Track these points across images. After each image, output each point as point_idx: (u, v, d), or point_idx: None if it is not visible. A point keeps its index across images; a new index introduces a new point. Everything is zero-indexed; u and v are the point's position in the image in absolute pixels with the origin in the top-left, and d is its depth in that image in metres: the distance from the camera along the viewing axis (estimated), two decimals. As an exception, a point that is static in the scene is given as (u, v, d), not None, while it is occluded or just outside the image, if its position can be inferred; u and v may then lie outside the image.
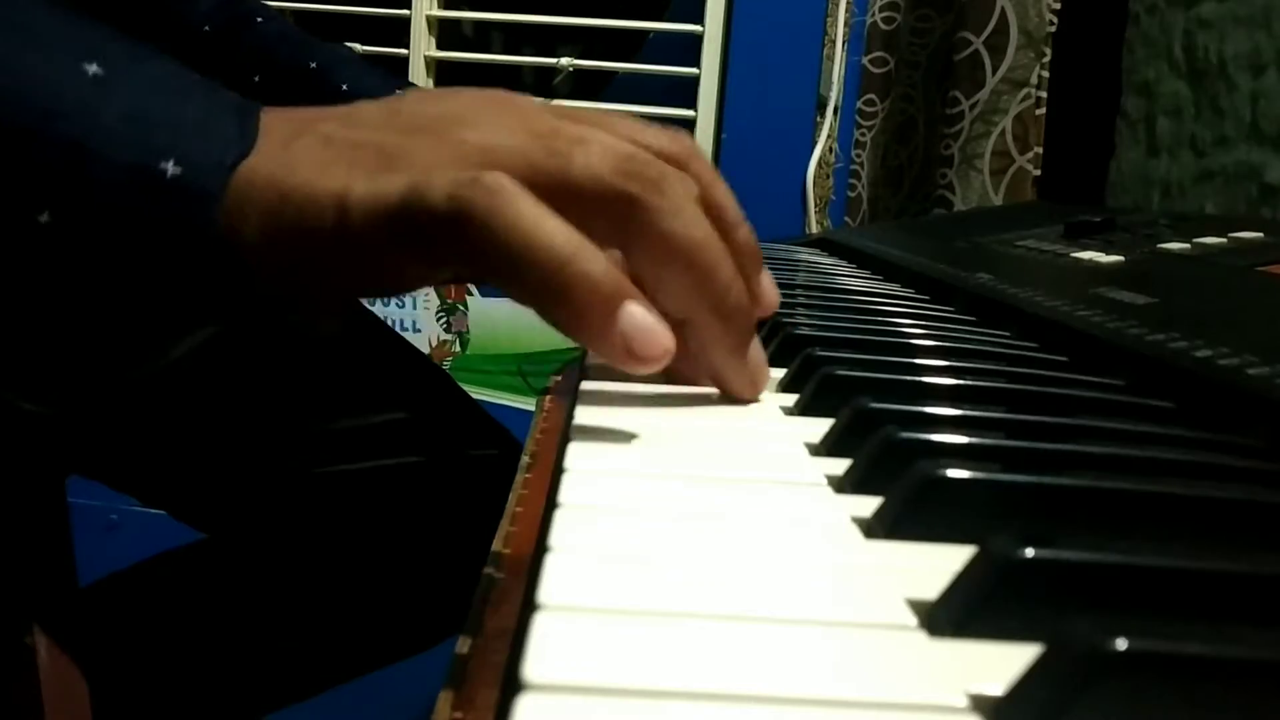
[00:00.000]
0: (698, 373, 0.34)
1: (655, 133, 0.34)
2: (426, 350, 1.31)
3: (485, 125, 0.31)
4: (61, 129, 0.29)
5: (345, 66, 0.72)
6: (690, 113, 1.22)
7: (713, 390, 0.35)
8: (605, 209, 0.30)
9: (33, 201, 0.29)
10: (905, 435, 0.26)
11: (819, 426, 0.30)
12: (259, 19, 0.72)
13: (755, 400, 0.34)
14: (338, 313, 0.33)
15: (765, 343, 0.42)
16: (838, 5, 1.18)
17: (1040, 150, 1.15)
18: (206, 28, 0.72)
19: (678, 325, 0.31)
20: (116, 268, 0.30)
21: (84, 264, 0.30)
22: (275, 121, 0.32)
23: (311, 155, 0.31)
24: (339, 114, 0.33)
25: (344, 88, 0.70)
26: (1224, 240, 0.57)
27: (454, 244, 0.29)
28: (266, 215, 0.30)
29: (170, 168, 0.29)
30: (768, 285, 0.36)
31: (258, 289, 0.31)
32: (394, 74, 0.75)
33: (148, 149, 0.29)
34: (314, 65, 0.71)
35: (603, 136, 0.31)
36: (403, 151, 0.30)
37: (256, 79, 0.70)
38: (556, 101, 1.36)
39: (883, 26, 1.24)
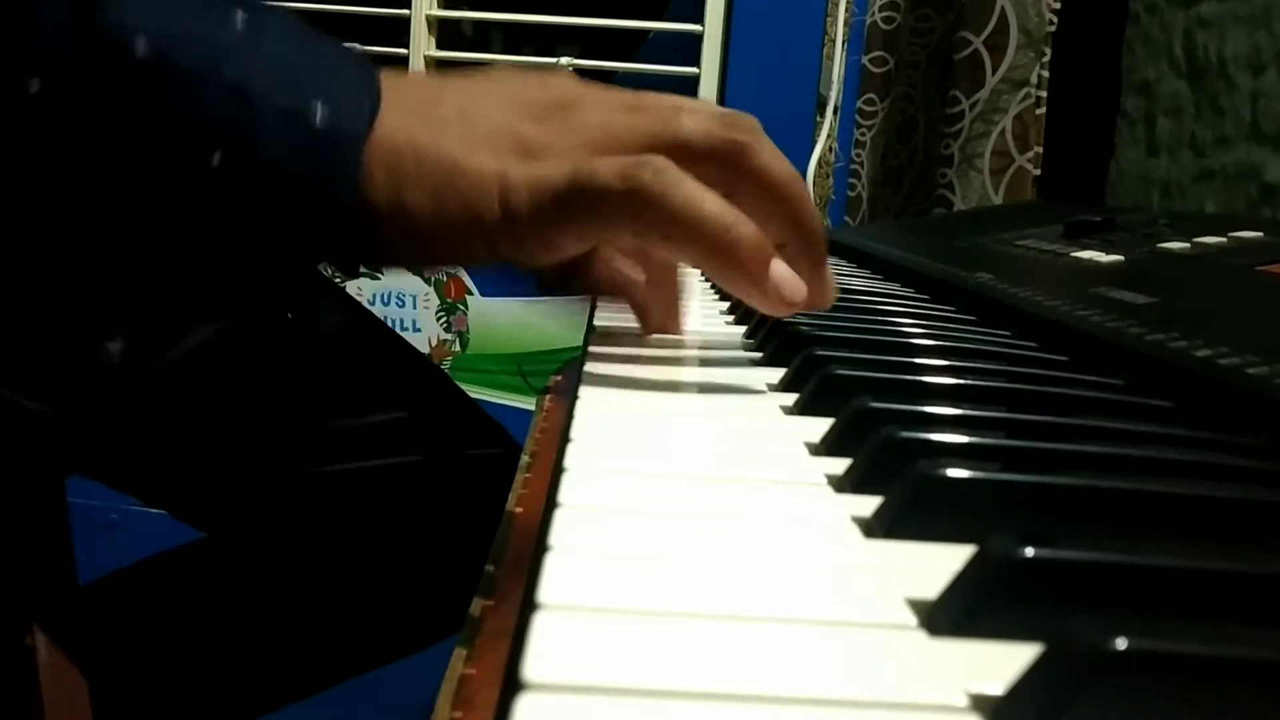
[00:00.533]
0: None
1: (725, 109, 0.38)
2: (426, 350, 1.31)
3: (590, 107, 0.36)
4: (225, 72, 0.30)
5: None
6: (690, 112, 1.22)
7: (713, 389, 0.35)
8: (717, 159, 0.35)
9: (205, 145, 0.31)
10: (905, 435, 0.26)
11: (819, 426, 0.30)
12: None
13: (827, 305, 0.39)
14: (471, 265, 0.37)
15: (765, 342, 0.42)
16: (837, 5, 1.18)
17: (1040, 150, 1.15)
18: None
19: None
20: (272, 207, 0.32)
21: (246, 204, 0.32)
22: (399, 81, 0.34)
23: (458, 130, 0.34)
24: (459, 88, 0.36)
25: None
26: (1224, 240, 0.56)
27: (626, 217, 0.33)
28: (436, 186, 0.33)
29: (319, 113, 0.31)
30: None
31: (405, 244, 0.34)
32: None
33: (299, 94, 0.31)
34: None
35: (691, 103, 0.37)
36: (538, 139, 0.35)
37: None
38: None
39: (882, 26, 1.24)
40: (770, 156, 0.36)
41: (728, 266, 0.34)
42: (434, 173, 0.33)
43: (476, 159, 0.33)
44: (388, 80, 0.34)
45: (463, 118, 0.34)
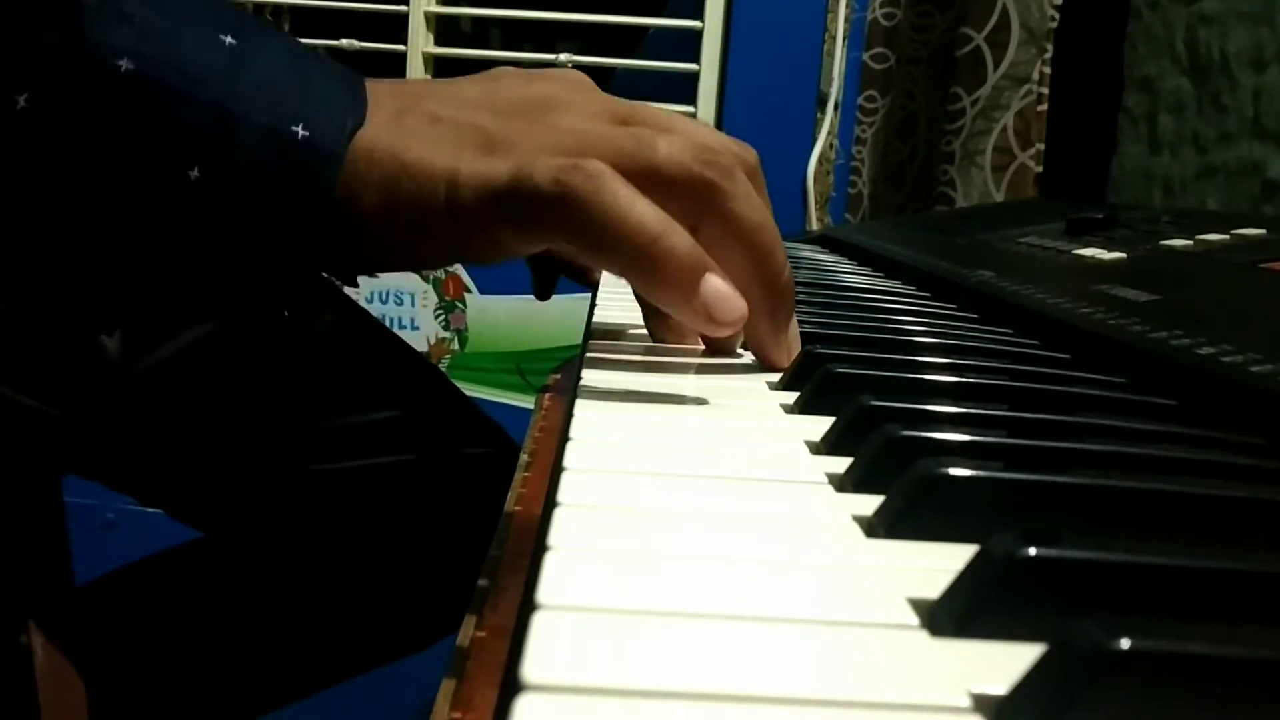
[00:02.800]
0: (737, 342, 0.40)
1: (724, 137, 0.37)
2: (425, 348, 1.30)
3: (574, 111, 0.35)
4: (208, 93, 0.32)
5: None
6: (690, 109, 1.22)
7: (713, 388, 0.35)
8: (685, 192, 0.34)
9: (183, 159, 0.32)
10: (906, 433, 0.25)
11: (819, 424, 0.30)
12: None
13: (786, 367, 0.38)
14: (432, 267, 0.37)
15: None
16: (838, 1, 1.18)
17: (1042, 147, 1.15)
18: None
19: None
20: (250, 220, 0.34)
21: (224, 216, 0.33)
22: (382, 93, 0.35)
23: (423, 131, 0.34)
24: (440, 91, 0.36)
25: None
26: (1226, 237, 0.56)
27: (556, 221, 0.33)
28: (385, 184, 0.33)
29: (300, 131, 0.33)
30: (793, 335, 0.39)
31: (365, 247, 0.35)
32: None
33: (280, 113, 0.33)
34: None
35: (681, 128, 0.36)
36: (505, 136, 0.34)
37: None
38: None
39: (883, 22, 1.23)
40: (742, 201, 0.35)
41: (654, 278, 0.33)
42: (387, 173, 0.33)
43: (429, 156, 0.33)
44: (377, 91, 0.35)
45: (431, 121, 0.34)
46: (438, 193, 0.33)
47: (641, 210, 0.32)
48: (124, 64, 0.31)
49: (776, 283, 0.36)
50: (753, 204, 0.35)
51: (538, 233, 0.34)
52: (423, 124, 0.34)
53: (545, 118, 0.35)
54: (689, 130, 0.36)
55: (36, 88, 0.31)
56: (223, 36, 0.33)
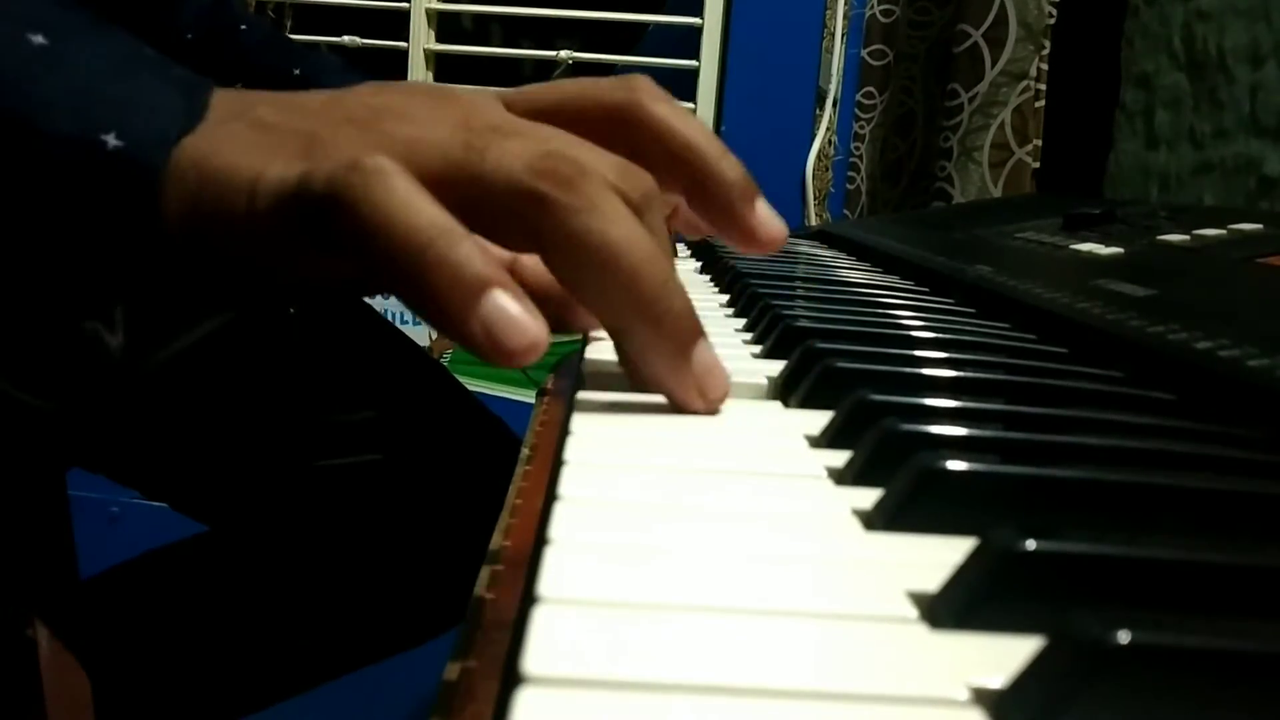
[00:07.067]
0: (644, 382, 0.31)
1: (605, 87, 0.34)
2: (425, 344, 1.30)
3: (418, 120, 0.30)
4: (3, 99, 0.29)
5: (330, 75, 0.72)
6: (690, 105, 1.22)
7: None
8: (513, 207, 0.29)
9: None
10: (905, 427, 0.25)
11: (818, 419, 0.30)
12: (242, 27, 0.72)
13: (709, 412, 0.31)
14: (253, 299, 0.33)
15: (764, 335, 0.42)
16: (836, -2, 1.18)
17: (1039, 143, 1.15)
18: (189, 35, 0.72)
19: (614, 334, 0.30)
20: (60, 233, 0.31)
21: (30, 227, 0.31)
22: (222, 101, 0.31)
23: (240, 138, 0.30)
24: (282, 99, 0.32)
25: None
26: (1223, 232, 0.56)
27: (334, 229, 0.28)
28: (187, 194, 0.30)
29: (111, 140, 0.29)
30: (765, 215, 0.34)
31: (181, 265, 0.31)
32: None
33: (89, 121, 0.29)
34: (297, 72, 0.71)
35: (532, 133, 0.30)
36: (327, 141, 0.30)
37: (239, 87, 0.71)
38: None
39: (881, 19, 1.23)
40: (587, 215, 0.28)
41: (421, 293, 0.27)
42: (196, 178, 0.30)
43: (236, 161, 0.30)
44: (219, 100, 0.31)
45: (257, 128, 0.30)
46: (238, 200, 0.29)
47: (414, 210, 0.27)
48: None
49: (653, 309, 0.29)
50: (604, 217, 0.28)
51: (323, 244, 0.29)
52: (246, 130, 0.31)
53: (382, 125, 0.30)
54: (549, 137, 0.30)
55: None
56: (31, 35, 0.30)
